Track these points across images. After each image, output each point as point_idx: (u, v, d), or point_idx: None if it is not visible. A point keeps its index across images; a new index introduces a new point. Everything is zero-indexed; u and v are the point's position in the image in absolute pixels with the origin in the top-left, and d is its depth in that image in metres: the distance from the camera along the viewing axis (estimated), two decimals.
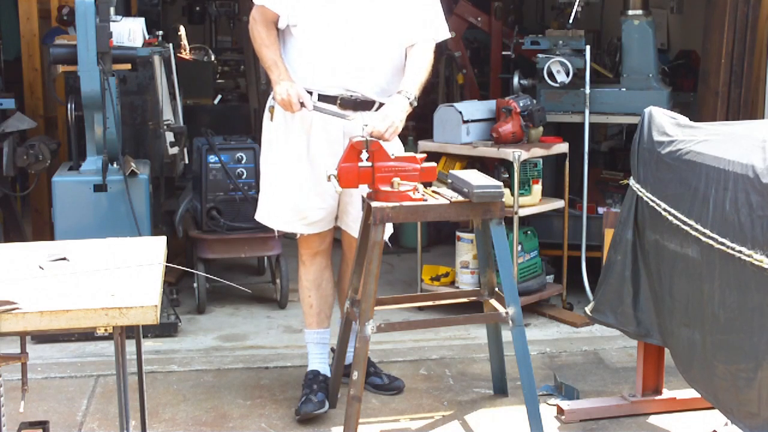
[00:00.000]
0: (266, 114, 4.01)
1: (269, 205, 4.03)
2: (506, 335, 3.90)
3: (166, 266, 2.92)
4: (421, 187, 3.67)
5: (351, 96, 3.84)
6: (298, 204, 3.93)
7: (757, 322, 2.97)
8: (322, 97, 3.83)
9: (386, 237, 4.11)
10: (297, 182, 3.91)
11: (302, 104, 3.77)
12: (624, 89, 5.42)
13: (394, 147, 3.91)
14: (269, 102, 3.98)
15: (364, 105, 3.86)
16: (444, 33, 4.02)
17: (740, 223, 3.01)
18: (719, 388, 3.21)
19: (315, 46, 3.82)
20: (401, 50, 3.92)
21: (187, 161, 5.26)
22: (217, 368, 4.49)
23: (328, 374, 4.07)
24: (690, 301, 3.35)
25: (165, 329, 4.86)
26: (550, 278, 5.37)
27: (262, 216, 4.09)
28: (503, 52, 6.26)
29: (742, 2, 5.20)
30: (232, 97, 7.87)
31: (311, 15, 3.80)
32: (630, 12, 5.43)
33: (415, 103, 3.79)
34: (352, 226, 4.00)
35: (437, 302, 4.58)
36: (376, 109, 3.86)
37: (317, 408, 3.89)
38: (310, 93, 3.81)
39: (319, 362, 4.10)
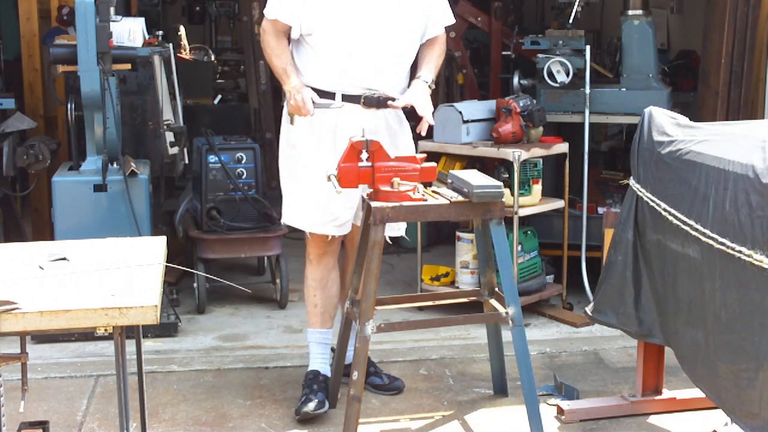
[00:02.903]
0: (285, 117, 4.02)
1: (298, 208, 4.02)
2: (506, 335, 3.90)
3: (166, 266, 2.92)
4: (421, 187, 3.68)
5: (374, 95, 3.89)
6: (329, 206, 3.92)
7: (758, 322, 2.97)
8: (346, 97, 3.87)
9: (402, 232, 4.14)
10: (326, 185, 3.90)
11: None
12: (624, 89, 5.42)
13: (410, 146, 4.04)
14: (286, 108, 4.00)
15: (386, 102, 3.92)
16: (451, 18, 4.14)
17: (740, 223, 3.01)
18: (722, 387, 3.21)
19: (333, 51, 3.86)
20: (417, 44, 4.02)
21: (187, 161, 5.26)
22: (217, 368, 4.49)
23: (329, 374, 4.07)
24: (692, 300, 3.35)
25: (165, 329, 4.86)
26: (550, 278, 5.37)
27: (291, 219, 4.07)
28: (503, 52, 6.26)
29: (742, 2, 5.20)
30: (232, 97, 7.87)
31: (326, 22, 3.84)
32: (630, 12, 5.42)
33: (433, 86, 4.00)
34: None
35: (437, 302, 4.58)
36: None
37: (317, 408, 3.89)
38: (333, 94, 3.86)
39: (321, 362, 4.10)
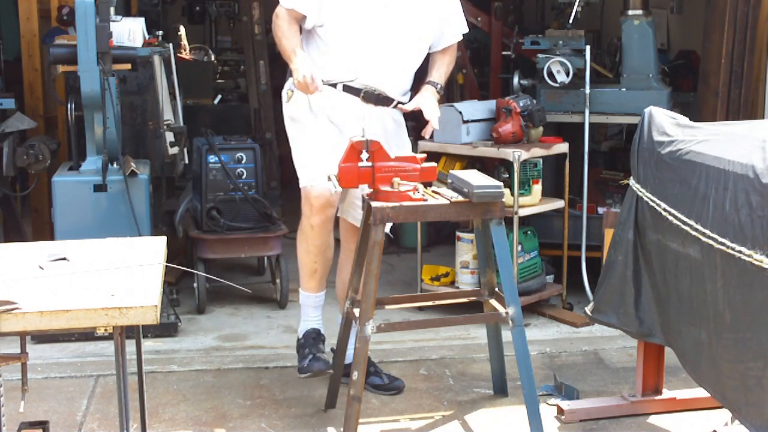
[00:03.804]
0: (284, 95, 4.06)
1: (305, 167, 4.00)
2: (506, 335, 3.90)
3: (166, 266, 2.92)
4: (421, 187, 3.68)
5: (374, 91, 3.93)
6: (329, 161, 3.88)
7: (763, 321, 2.96)
8: (346, 88, 3.93)
9: (387, 229, 4.13)
10: (329, 143, 3.91)
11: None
12: (624, 89, 5.42)
13: (404, 147, 4.06)
14: (287, 86, 4.03)
15: (384, 101, 3.98)
16: (465, 27, 4.20)
17: (740, 223, 3.01)
18: (727, 387, 3.20)
19: (341, 45, 3.92)
20: (425, 51, 4.07)
21: (187, 161, 5.26)
22: (217, 368, 4.49)
23: (324, 333, 4.11)
24: (694, 300, 3.35)
25: (165, 329, 4.86)
26: (550, 278, 5.37)
27: (303, 179, 3.99)
28: (503, 52, 6.27)
29: (742, 2, 5.20)
30: (232, 97, 7.88)
31: (339, 16, 3.88)
32: (630, 12, 5.43)
33: (442, 92, 4.10)
34: (357, 217, 4.01)
35: (437, 302, 4.58)
36: (394, 107, 4.01)
37: (328, 367, 3.92)
38: (334, 84, 3.90)
39: (317, 322, 4.11)
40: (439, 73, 4.09)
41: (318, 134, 3.98)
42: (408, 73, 4.05)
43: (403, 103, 4.00)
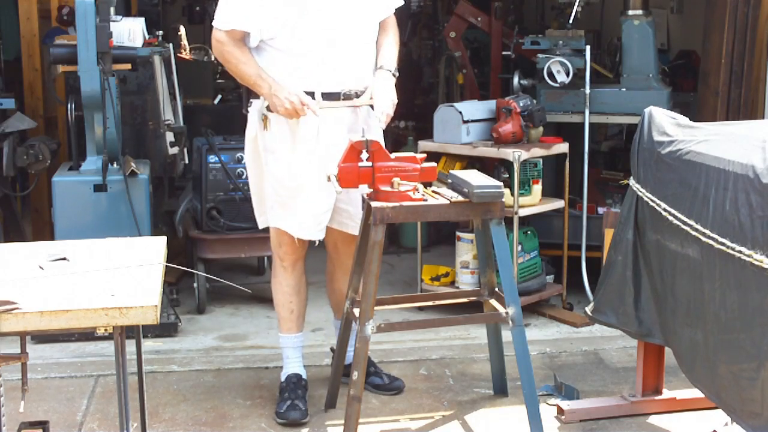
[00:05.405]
0: (257, 123, 3.90)
1: (287, 212, 3.92)
2: (506, 335, 3.90)
3: (166, 266, 2.92)
4: (421, 187, 3.67)
5: (350, 91, 3.83)
6: (315, 211, 3.88)
7: (758, 322, 2.97)
8: (326, 95, 3.79)
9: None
10: (312, 191, 3.83)
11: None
12: (624, 89, 5.42)
13: (373, 129, 3.89)
14: (259, 110, 3.88)
15: (362, 93, 3.86)
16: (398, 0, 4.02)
17: (740, 223, 3.01)
18: (722, 387, 3.21)
19: (299, 53, 3.76)
20: (375, 33, 3.93)
21: (187, 161, 5.26)
22: (217, 368, 4.49)
23: (305, 377, 4.07)
24: (691, 300, 3.35)
25: (165, 329, 4.86)
26: (550, 278, 5.37)
27: (279, 222, 3.95)
28: (503, 52, 6.26)
29: (742, 2, 5.19)
30: (232, 97, 7.86)
31: (288, 25, 3.73)
32: (630, 12, 5.43)
33: (397, 74, 3.88)
34: (348, 224, 3.99)
35: (437, 302, 4.57)
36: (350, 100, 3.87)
37: (304, 416, 3.88)
38: (312, 94, 3.77)
39: (299, 365, 4.10)
40: (388, 53, 3.89)
41: (295, 171, 3.84)
42: (368, 58, 3.88)
43: (359, 95, 3.84)
